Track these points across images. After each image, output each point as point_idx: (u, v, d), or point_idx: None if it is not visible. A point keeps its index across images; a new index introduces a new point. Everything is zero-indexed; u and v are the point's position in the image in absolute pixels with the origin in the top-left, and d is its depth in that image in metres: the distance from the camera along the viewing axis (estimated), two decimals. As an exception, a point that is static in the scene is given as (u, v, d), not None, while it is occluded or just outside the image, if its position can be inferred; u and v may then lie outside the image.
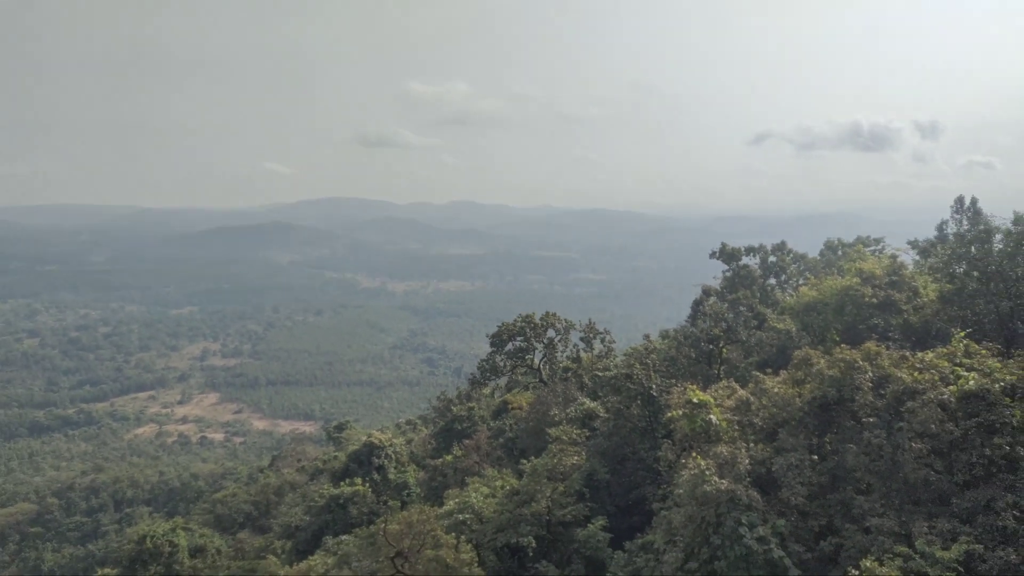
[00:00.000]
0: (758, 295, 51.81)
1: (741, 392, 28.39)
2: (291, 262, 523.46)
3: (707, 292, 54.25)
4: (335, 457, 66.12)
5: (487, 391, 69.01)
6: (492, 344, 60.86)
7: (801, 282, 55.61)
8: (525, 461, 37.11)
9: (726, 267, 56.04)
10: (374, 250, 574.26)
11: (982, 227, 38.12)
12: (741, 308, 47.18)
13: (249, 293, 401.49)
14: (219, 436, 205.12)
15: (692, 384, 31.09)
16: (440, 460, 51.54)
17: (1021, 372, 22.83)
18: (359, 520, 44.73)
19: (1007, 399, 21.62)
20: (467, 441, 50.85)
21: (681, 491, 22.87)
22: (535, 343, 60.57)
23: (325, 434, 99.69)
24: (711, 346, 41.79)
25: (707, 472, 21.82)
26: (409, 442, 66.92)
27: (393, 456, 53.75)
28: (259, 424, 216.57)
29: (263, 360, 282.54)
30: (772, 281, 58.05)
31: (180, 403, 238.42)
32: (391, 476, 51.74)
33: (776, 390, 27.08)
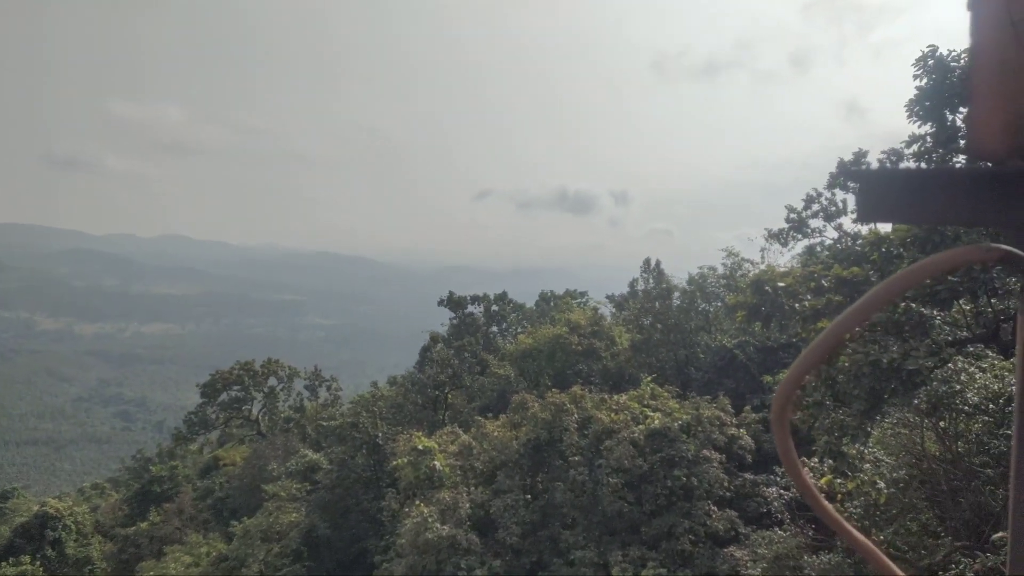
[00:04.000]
0: (481, 342, 54.31)
1: (464, 437, 29.15)
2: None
3: (435, 339, 55.48)
4: (-7, 533, 54.18)
5: (195, 447, 62.22)
6: (203, 394, 55.39)
7: (519, 330, 59.56)
8: (236, 523, 34.00)
9: (453, 315, 58.00)
10: (59, 286, 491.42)
11: (664, 285, 44.41)
12: (466, 354, 48.97)
13: None
14: None
15: (418, 430, 31.26)
16: (133, 528, 45.12)
17: (694, 411, 26.67)
18: (20, 610, 36.94)
19: (683, 435, 25.04)
20: (168, 504, 45.31)
21: (403, 541, 22.57)
22: (254, 392, 56.43)
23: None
24: (437, 392, 42.62)
25: (430, 519, 21.84)
26: (95, 509, 57.38)
27: (73, 527, 45.52)
28: None
29: None
30: (494, 329, 61.30)
31: None
32: (70, 551, 43.71)
33: (496, 433, 28.26)
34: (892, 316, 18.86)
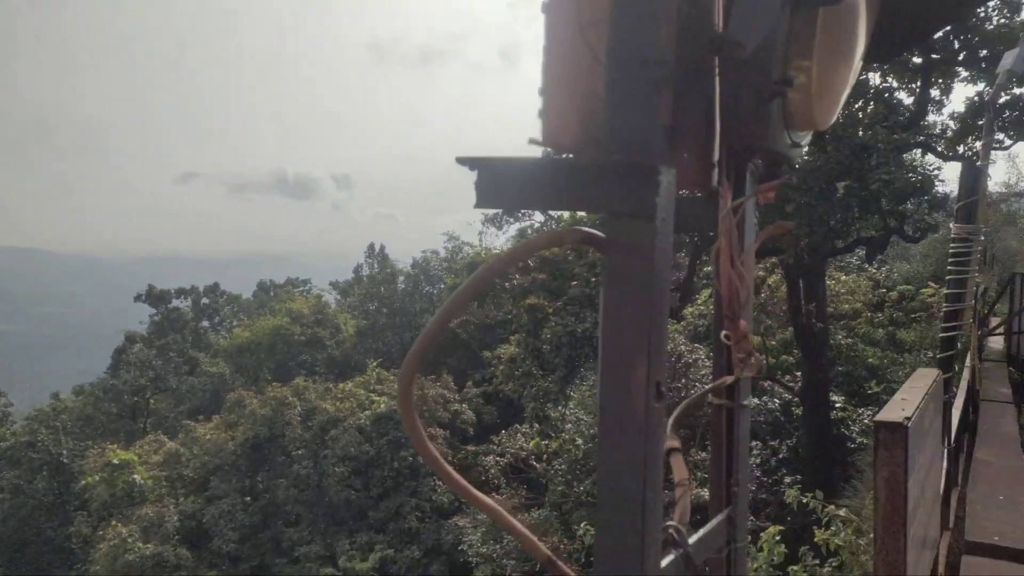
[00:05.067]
0: (190, 339, 49.72)
1: (170, 444, 26.55)
2: None
3: (132, 339, 49.32)
4: None
5: None
6: None
7: (235, 323, 55.65)
8: None
9: (155, 311, 52.14)
10: None
11: (389, 270, 44.80)
12: (171, 354, 44.43)
13: None
14: None
15: (113, 443, 27.72)
16: None
17: (420, 392, 27.33)
18: None
19: (407, 416, 25.53)
20: None
21: (98, 567, 19.90)
22: None
23: None
24: (136, 398, 38.37)
25: (129, 539, 19.50)
26: None
27: None
28: None
29: None
30: (206, 324, 56.48)
31: None
32: None
33: (209, 436, 26.15)
34: (585, 291, 21.20)
